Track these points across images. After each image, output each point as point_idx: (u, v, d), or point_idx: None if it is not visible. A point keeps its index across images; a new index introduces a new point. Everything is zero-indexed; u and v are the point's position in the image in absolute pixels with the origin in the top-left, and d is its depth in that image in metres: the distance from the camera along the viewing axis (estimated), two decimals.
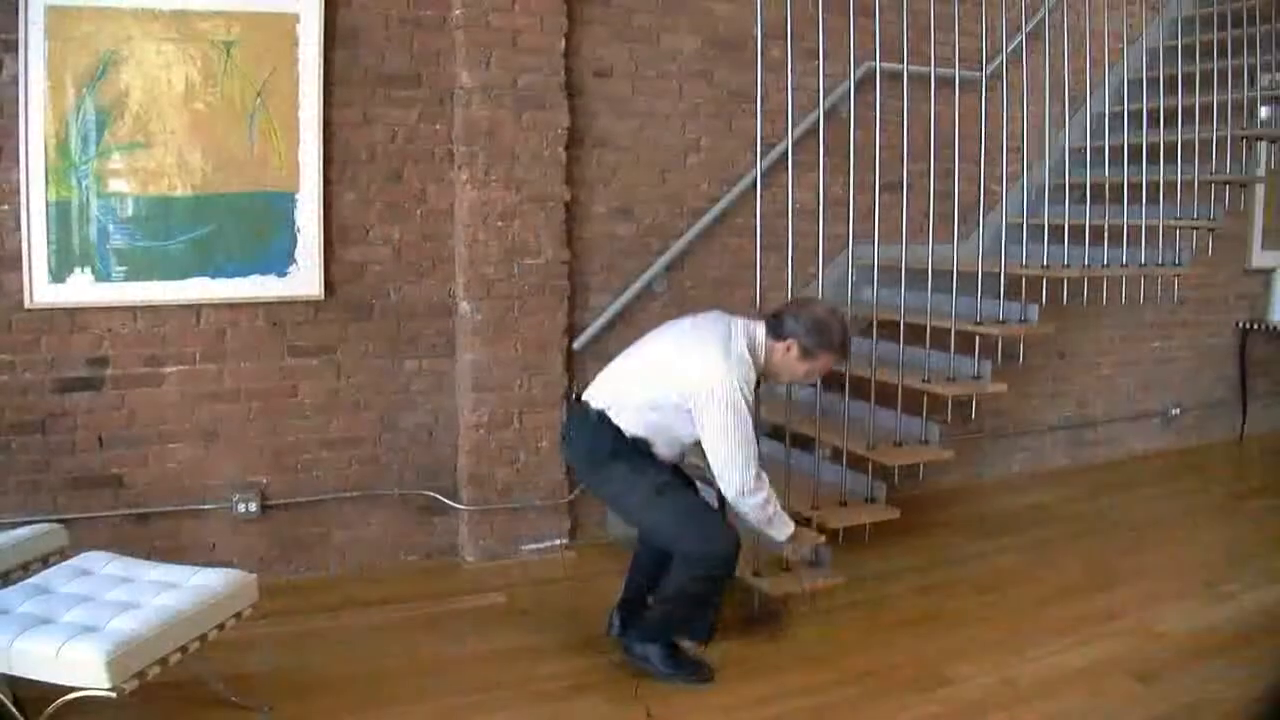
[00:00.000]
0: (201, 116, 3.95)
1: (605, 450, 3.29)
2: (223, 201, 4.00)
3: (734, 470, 3.19)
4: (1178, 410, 6.56)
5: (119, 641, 2.60)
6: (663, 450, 3.33)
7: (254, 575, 3.14)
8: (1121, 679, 3.36)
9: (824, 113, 4.52)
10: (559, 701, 3.23)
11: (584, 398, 3.42)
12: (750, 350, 3.25)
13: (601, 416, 3.31)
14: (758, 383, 3.30)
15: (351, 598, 4.05)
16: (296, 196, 4.08)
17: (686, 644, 3.42)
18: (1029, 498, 5.53)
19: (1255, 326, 6.71)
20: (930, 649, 3.60)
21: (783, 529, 3.37)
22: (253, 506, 4.15)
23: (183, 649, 2.82)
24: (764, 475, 3.26)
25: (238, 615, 3.04)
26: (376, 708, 3.18)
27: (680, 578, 3.27)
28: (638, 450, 3.29)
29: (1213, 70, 4.93)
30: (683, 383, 3.21)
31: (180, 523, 4.11)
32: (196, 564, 3.94)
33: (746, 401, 3.18)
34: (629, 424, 3.28)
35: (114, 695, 2.57)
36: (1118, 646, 3.63)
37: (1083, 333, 6.02)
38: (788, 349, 3.30)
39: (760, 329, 3.33)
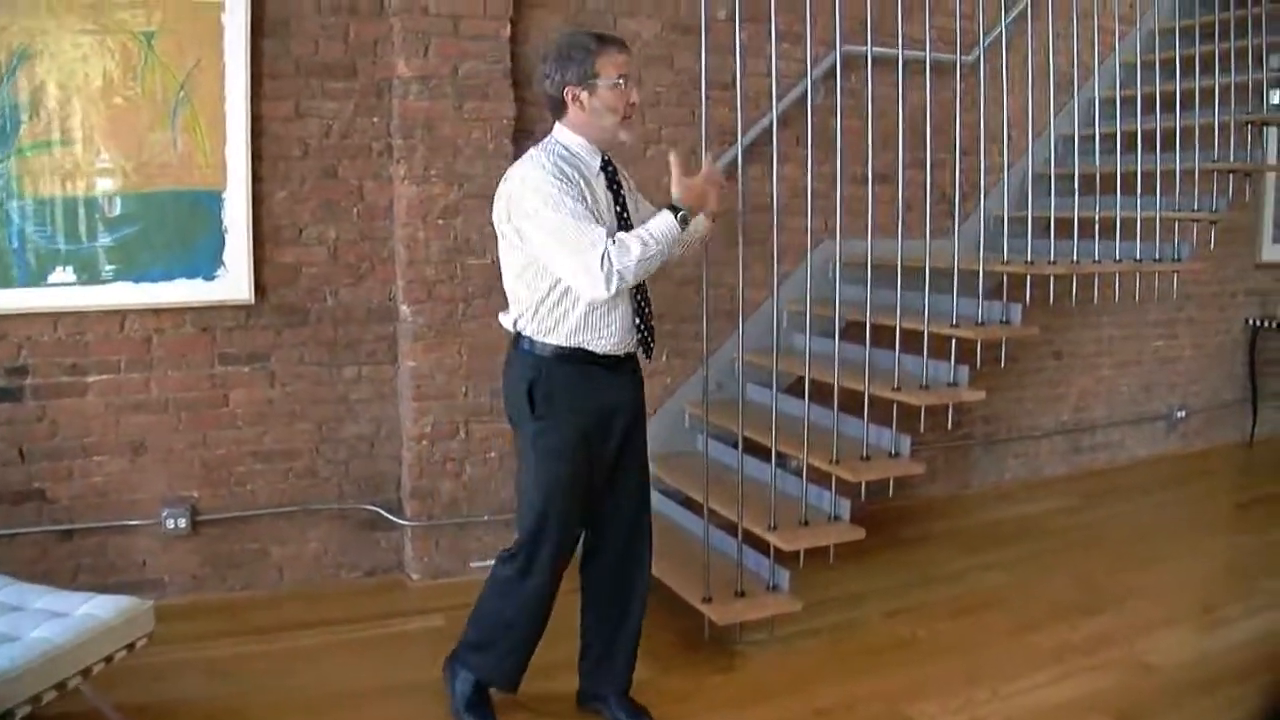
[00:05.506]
0: (121, 112, 3.72)
1: (523, 405, 2.83)
2: (145, 201, 3.77)
3: (588, 266, 2.62)
4: (1183, 413, 6.25)
5: None
6: (600, 337, 2.81)
7: (150, 603, 2.92)
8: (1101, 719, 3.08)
9: (794, 99, 4.28)
10: None
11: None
12: (546, 150, 2.77)
13: (516, 341, 2.89)
14: (614, 174, 2.88)
15: (287, 619, 3.83)
16: (224, 195, 3.85)
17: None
18: (1021, 508, 5.24)
19: (1266, 324, 6.39)
20: (894, 683, 3.33)
21: (670, 236, 2.68)
22: (183, 523, 3.93)
23: (60, 686, 2.60)
24: (615, 245, 2.63)
25: (130, 646, 2.83)
26: None
27: (494, 573, 3.00)
28: (559, 410, 2.82)
29: (1214, 52, 4.60)
30: (503, 209, 2.78)
31: (108, 539, 3.90)
32: (127, 582, 3.83)
33: (562, 180, 2.67)
34: (538, 329, 2.82)
35: None
36: (1102, 681, 3.35)
37: (1081, 332, 5.73)
38: (572, 98, 2.75)
39: (554, 130, 2.85)
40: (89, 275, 3.75)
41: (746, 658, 3.51)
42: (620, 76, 2.74)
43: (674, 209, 2.69)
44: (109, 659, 2.76)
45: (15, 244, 3.67)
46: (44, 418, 3.78)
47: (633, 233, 2.68)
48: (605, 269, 2.61)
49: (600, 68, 2.72)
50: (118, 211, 3.76)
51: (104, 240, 3.75)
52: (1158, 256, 4.38)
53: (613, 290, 2.65)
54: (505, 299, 2.96)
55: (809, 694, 3.25)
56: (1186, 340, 6.19)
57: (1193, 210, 4.47)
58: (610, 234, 2.66)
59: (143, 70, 3.73)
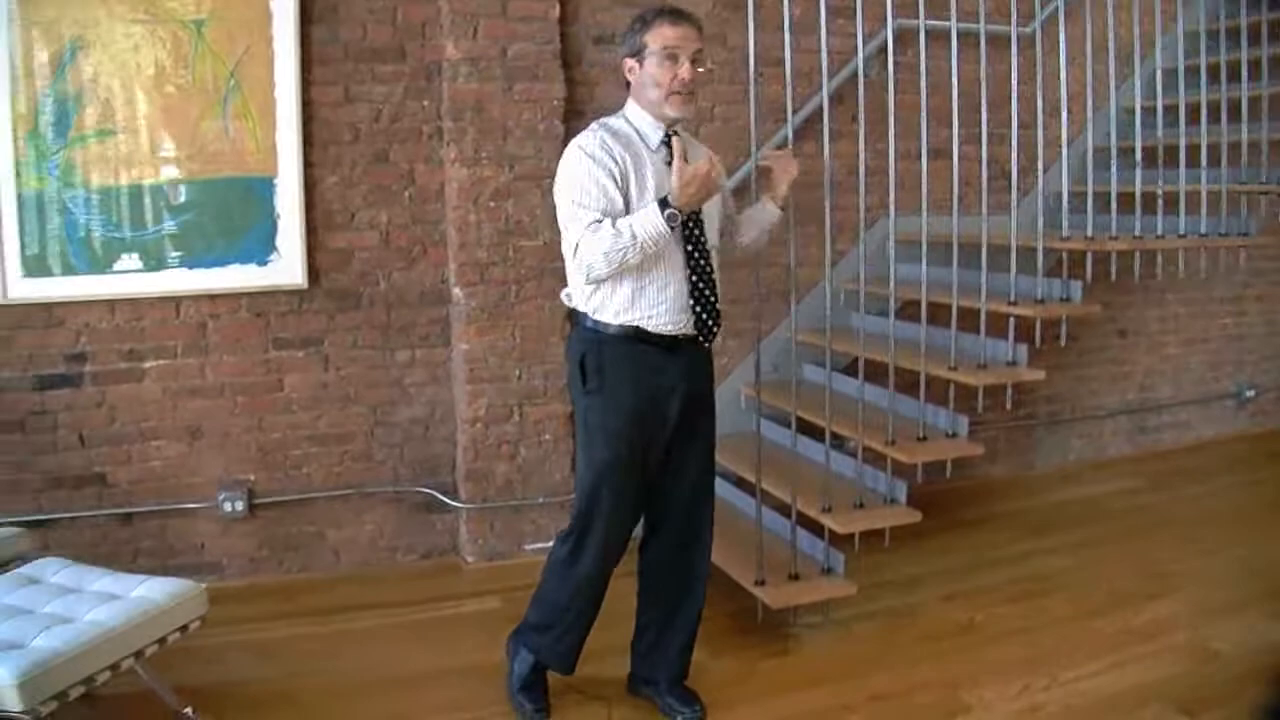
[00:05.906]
0: (173, 100, 3.75)
1: (577, 378, 2.82)
2: (199, 188, 3.81)
3: (571, 250, 2.66)
4: (1252, 392, 6.06)
5: (36, 661, 2.42)
6: (650, 316, 2.74)
7: (203, 586, 2.93)
8: (1163, 709, 2.99)
9: (847, 76, 4.20)
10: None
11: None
12: (603, 122, 2.79)
13: (575, 317, 2.86)
14: (668, 143, 2.74)
15: (343, 602, 3.86)
16: (275, 181, 3.87)
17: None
18: (1084, 490, 5.11)
19: None
20: (951, 669, 3.26)
21: (652, 232, 2.58)
22: (240, 505, 3.97)
23: (113, 667, 2.63)
24: (591, 232, 2.61)
25: (183, 628, 2.85)
26: None
27: (551, 553, 3.00)
28: (609, 387, 2.78)
29: None
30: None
31: (166, 523, 3.95)
32: (186, 565, 3.88)
33: (593, 155, 2.66)
34: (590, 306, 2.78)
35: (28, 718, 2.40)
36: (1165, 668, 3.25)
37: (1145, 309, 5.58)
38: (629, 69, 2.76)
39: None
40: (145, 262, 3.80)
41: (800, 642, 3.47)
42: (665, 49, 2.66)
43: (663, 204, 2.58)
44: (162, 641, 2.78)
45: (71, 232, 3.71)
46: (103, 403, 3.84)
47: (620, 220, 2.62)
48: (578, 257, 2.63)
49: (649, 39, 2.69)
50: (171, 199, 3.79)
51: (158, 227, 3.80)
52: (1224, 231, 4.25)
53: (585, 279, 2.68)
54: (560, 279, 2.94)
55: (864, 679, 3.20)
56: (1256, 317, 5.99)
57: (1260, 182, 4.31)
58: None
59: (193, 59, 3.76)
